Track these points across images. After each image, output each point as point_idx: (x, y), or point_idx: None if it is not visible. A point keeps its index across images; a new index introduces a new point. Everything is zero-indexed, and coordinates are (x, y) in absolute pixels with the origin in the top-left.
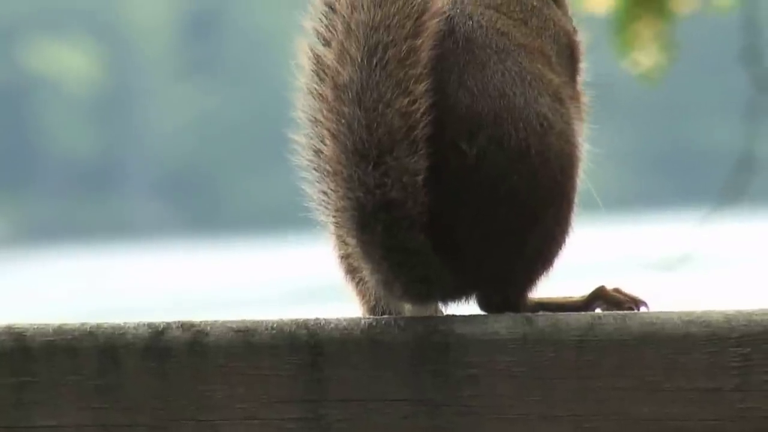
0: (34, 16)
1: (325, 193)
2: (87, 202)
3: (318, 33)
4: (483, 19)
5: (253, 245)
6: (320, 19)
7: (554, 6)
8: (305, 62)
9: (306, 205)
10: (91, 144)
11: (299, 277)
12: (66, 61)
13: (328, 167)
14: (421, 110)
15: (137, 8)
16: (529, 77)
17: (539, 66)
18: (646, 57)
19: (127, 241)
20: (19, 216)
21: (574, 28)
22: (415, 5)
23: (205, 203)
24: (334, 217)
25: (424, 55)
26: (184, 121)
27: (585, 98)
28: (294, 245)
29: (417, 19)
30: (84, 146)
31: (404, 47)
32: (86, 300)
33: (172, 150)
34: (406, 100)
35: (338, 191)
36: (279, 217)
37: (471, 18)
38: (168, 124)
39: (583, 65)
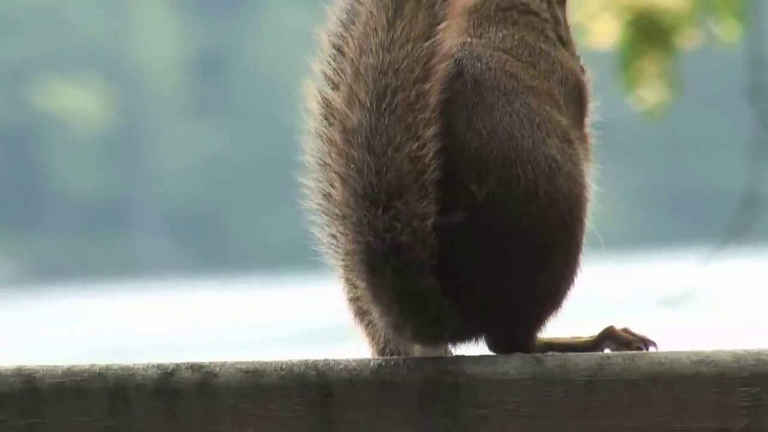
0: (43, 55)
1: (334, 236)
2: (95, 241)
3: (326, 76)
4: (492, 61)
5: (261, 284)
6: (328, 62)
7: (562, 48)
8: (314, 106)
9: (315, 248)
10: (99, 183)
11: (307, 317)
12: (74, 101)
13: (337, 211)
14: (431, 154)
15: (146, 48)
16: (537, 119)
17: (547, 108)
18: (650, 93)
19: (135, 280)
20: (28, 255)
21: (582, 69)
22: (424, 49)
23: (213, 242)
24: (343, 260)
25: (434, 99)
26: (192, 160)
27: (593, 138)
28: (301, 285)
29: (426, 63)
30: (92, 185)
31: (413, 92)
32: (94, 339)
33: (180, 189)
34: (415, 145)
35: (348, 235)
36: (287, 257)
37: (480, 60)
38: (176, 163)
39: (591, 106)
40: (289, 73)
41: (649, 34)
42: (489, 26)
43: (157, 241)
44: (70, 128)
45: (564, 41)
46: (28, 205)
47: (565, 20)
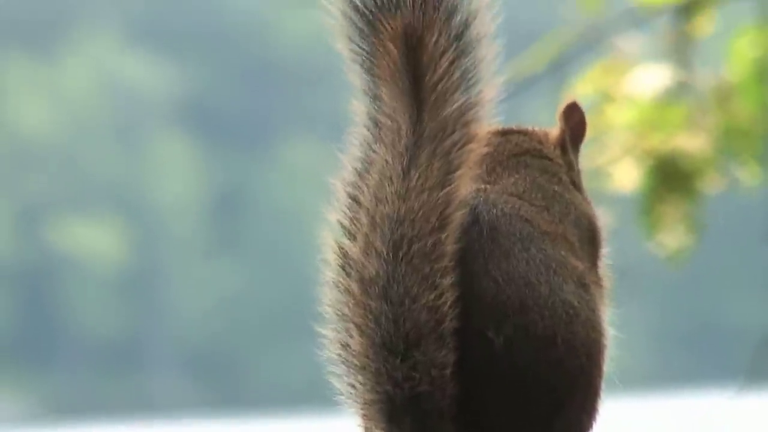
0: (61, 194)
1: (353, 386)
2: (112, 380)
3: (343, 226)
4: (507, 207)
5: (278, 424)
6: (344, 212)
7: (575, 190)
8: (331, 256)
9: (334, 397)
10: (116, 322)
11: None
12: (91, 240)
13: (356, 361)
14: (448, 304)
15: (163, 188)
16: (553, 264)
17: (563, 252)
18: (672, 238)
19: (151, 420)
20: (44, 393)
21: (594, 213)
22: (439, 198)
23: (230, 382)
24: (362, 410)
25: (450, 248)
26: (209, 300)
27: (608, 282)
28: (319, 425)
29: (442, 212)
30: (109, 324)
31: (429, 241)
32: None
33: (197, 329)
34: (432, 295)
35: (366, 385)
36: (305, 397)
37: (495, 206)
38: (193, 303)
39: (605, 250)
40: (308, 213)
41: (670, 178)
42: (503, 171)
43: (173, 381)
44: (87, 267)
45: (577, 186)
46: (45, 344)
47: (578, 167)
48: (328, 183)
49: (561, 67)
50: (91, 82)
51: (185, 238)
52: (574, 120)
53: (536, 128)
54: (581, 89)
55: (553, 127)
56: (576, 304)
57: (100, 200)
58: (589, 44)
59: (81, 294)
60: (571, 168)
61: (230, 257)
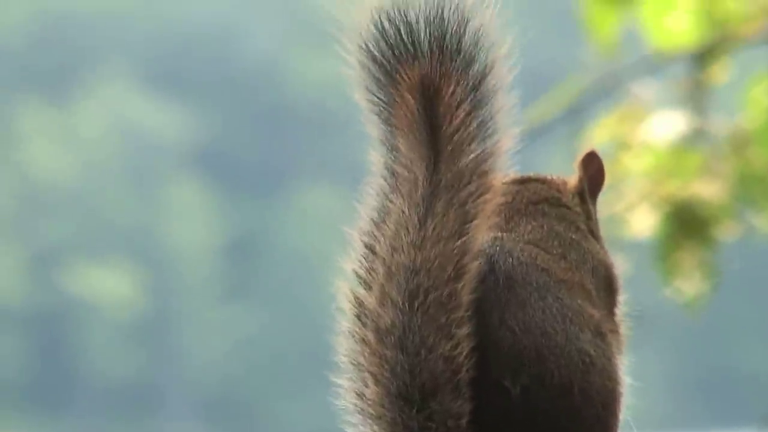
0: (75, 238)
1: None
2: (127, 424)
3: (358, 276)
4: (523, 255)
5: None
6: (360, 261)
7: (592, 239)
8: (346, 306)
9: None
10: (131, 367)
11: None
12: (107, 284)
13: (371, 411)
14: (464, 354)
15: (178, 233)
16: (570, 313)
17: (579, 301)
18: (688, 285)
19: None
20: None
21: (611, 261)
22: (455, 248)
23: (245, 427)
24: None
25: (466, 298)
26: (224, 345)
27: (624, 330)
28: None
29: (458, 261)
30: (124, 369)
31: (446, 291)
32: None
33: (212, 373)
34: (448, 345)
35: None
36: None
37: (511, 255)
38: (208, 347)
39: (622, 298)
40: (323, 259)
41: (687, 225)
42: (520, 219)
43: (188, 425)
44: (101, 311)
45: (595, 235)
46: (59, 388)
47: (596, 216)
48: (343, 229)
49: (576, 114)
50: (106, 127)
51: (200, 282)
52: (593, 169)
53: (555, 177)
54: (597, 136)
55: (571, 176)
56: (592, 353)
57: (114, 245)
58: (605, 91)
59: (96, 338)
60: (589, 217)
61: (245, 302)
